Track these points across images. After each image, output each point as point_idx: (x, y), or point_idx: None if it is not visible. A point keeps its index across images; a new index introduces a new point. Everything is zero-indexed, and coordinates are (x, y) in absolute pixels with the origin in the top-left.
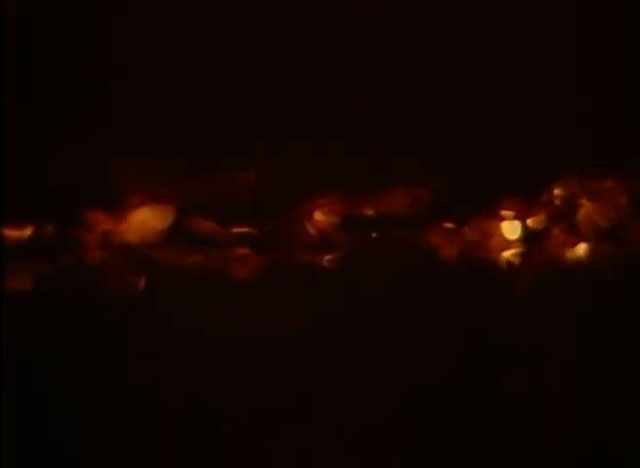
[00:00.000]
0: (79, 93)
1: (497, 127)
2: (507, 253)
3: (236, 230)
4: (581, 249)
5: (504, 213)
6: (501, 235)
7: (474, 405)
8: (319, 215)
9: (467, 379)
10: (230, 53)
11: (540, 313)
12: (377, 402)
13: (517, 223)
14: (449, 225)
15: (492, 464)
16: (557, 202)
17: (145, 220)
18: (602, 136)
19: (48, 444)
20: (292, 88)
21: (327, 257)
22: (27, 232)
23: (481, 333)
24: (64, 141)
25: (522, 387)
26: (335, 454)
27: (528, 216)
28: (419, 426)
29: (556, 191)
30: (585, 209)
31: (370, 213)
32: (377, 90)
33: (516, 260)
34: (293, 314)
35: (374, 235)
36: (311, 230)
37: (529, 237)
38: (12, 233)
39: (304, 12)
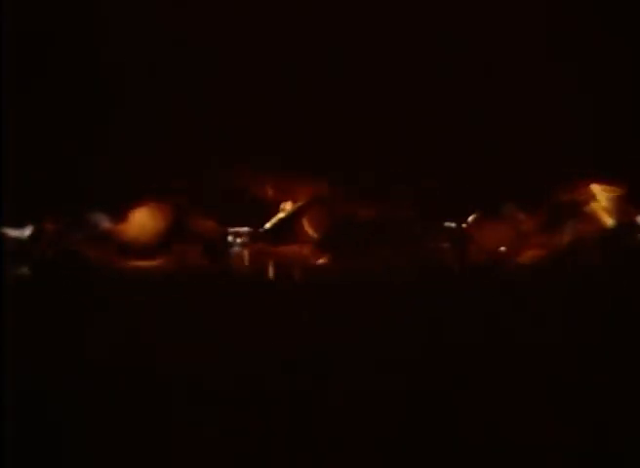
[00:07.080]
0: (79, 93)
1: (497, 129)
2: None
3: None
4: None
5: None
6: (501, 235)
7: (473, 402)
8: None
9: (463, 377)
10: (231, 56)
11: (543, 311)
12: (376, 401)
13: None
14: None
15: (490, 463)
16: (558, 203)
17: (145, 220)
18: (602, 137)
19: (48, 440)
20: (290, 92)
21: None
22: (27, 232)
23: (483, 332)
24: (65, 141)
25: (523, 387)
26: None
27: (530, 217)
28: (419, 426)
29: (557, 193)
30: (585, 210)
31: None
32: (377, 93)
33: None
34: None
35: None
36: (310, 231)
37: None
38: (12, 233)
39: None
